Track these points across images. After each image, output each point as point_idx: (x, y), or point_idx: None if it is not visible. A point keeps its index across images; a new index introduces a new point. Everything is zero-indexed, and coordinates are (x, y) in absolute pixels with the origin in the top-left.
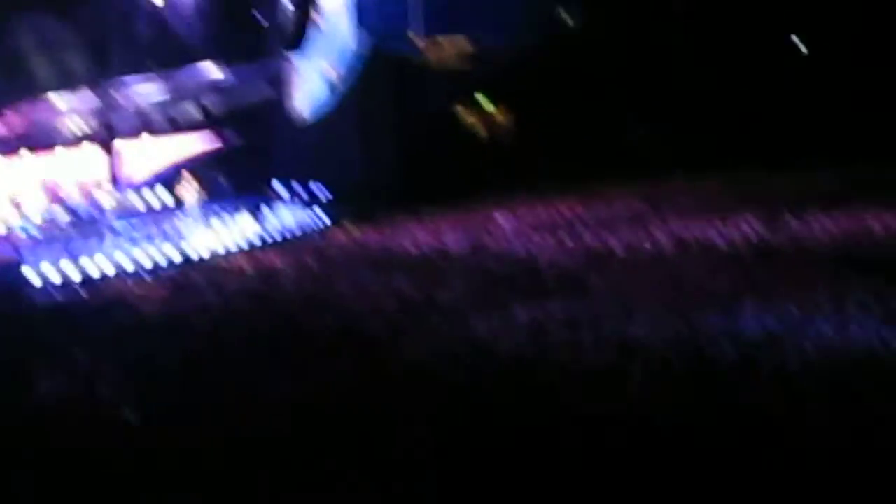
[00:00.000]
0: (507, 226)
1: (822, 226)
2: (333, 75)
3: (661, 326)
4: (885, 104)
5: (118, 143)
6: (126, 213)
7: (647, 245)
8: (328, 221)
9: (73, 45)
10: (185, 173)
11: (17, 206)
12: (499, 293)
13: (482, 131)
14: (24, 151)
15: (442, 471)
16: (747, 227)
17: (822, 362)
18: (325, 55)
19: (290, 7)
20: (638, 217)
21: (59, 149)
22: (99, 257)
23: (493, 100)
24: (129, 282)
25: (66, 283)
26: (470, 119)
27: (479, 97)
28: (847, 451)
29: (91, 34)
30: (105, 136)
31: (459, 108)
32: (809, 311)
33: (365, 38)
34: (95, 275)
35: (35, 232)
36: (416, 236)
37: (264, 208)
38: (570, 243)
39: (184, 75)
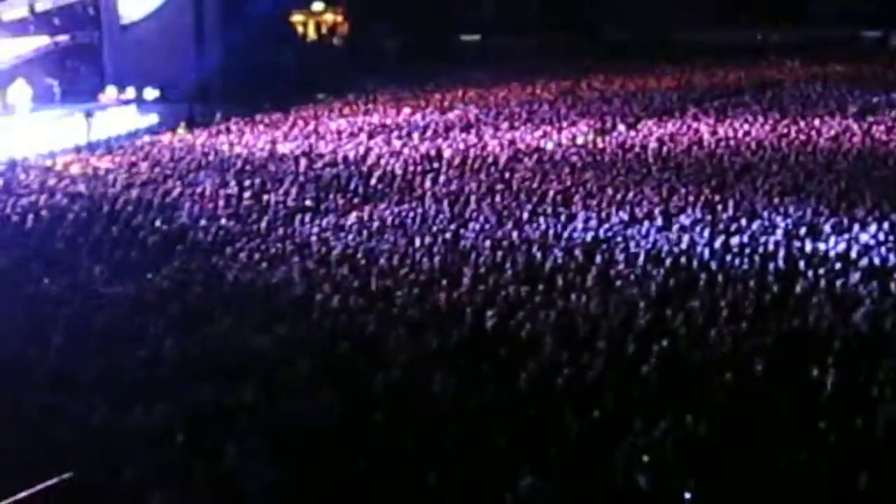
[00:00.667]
0: (340, 129)
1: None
2: None
3: (492, 230)
4: None
5: None
6: None
7: (480, 151)
8: (160, 123)
9: None
10: (13, 75)
11: None
12: (329, 197)
13: (314, 34)
14: None
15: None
16: (579, 134)
17: (647, 265)
18: None
19: None
20: (471, 124)
21: None
22: None
23: (326, 3)
24: None
25: None
26: (302, 21)
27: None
28: (669, 355)
29: None
30: None
31: (291, 11)
32: (637, 216)
33: None
34: None
35: None
36: (248, 139)
37: (94, 109)
38: (402, 148)
39: None
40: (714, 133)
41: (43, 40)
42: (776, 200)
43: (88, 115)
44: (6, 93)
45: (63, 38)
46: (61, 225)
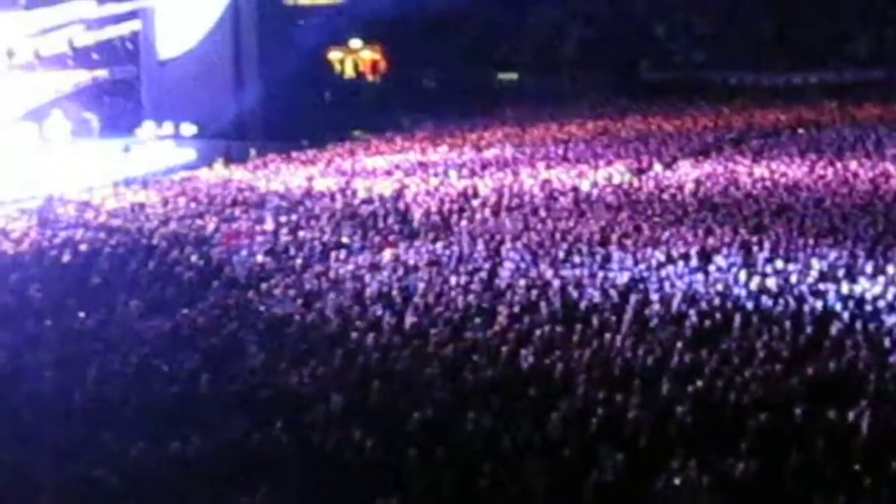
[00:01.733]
0: (376, 166)
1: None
2: (202, 14)
3: (527, 269)
4: None
5: None
6: None
7: (517, 190)
8: (197, 159)
9: None
10: (53, 109)
11: None
12: (366, 234)
13: (352, 72)
14: None
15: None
16: (615, 173)
17: (683, 306)
18: None
19: None
20: (507, 162)
21: None
22: None
23: (364, 40)
24: None
25: None
26: (340, 59)
27: (350, 39)
28: (705, 393)
29: None
30: None
31: (329, 48)
32: (673, 257)
33: None
34: None
35: None
36: (284, 176)
37: (132, 144)
38: (439, 186)
39: (54, 12)
40: (751, 174)
41: (82, 75)
42: (812, 242)
43: (126, 149)
44: (44, 126)
45: (102, 72)
46: (98, 259)
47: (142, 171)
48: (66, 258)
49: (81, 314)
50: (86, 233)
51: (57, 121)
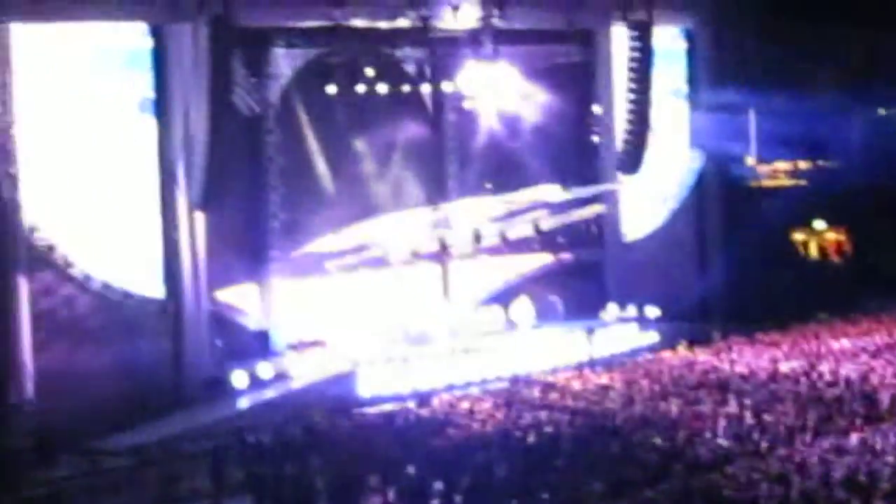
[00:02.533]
0: (842, 349)
1: None
2: (667, 196)
3: None
4: None
5: (452, 261)
6: (458, 329)
7: None
8: (660, 341)
9: (412, 167)
10: (518, 291)
11: (354, 322)
12: (831, 417)
13: (816, 253)
14: (362, 269)
15: None
16: None
17: None
18: (659, 176)
19: (627, 130)
20: None
21: (395, 266)
22: (430, 372)
23: (828, 222)
24: (459, 396)
25: (397, 396)
26: (803, 240)
27: (814, 220)
28: None
29: (429, 156)
30: (440, 255)
31: (793, 230)
32: None
33: (699, 159)
34: (426, 387)
35: (369, 346)
36: (748, 358)
37: (596, 326)
38: None
39: (520, 197)
40: None
41: (546, 258)
42: None
43: (590, 332)
44: (510, 309)
45: (566, 255)
46: (561, 440)
47: (605, 353)
48: (530, 439)
49: (545, 496)
50: (550, 414)
51: (522, 304)
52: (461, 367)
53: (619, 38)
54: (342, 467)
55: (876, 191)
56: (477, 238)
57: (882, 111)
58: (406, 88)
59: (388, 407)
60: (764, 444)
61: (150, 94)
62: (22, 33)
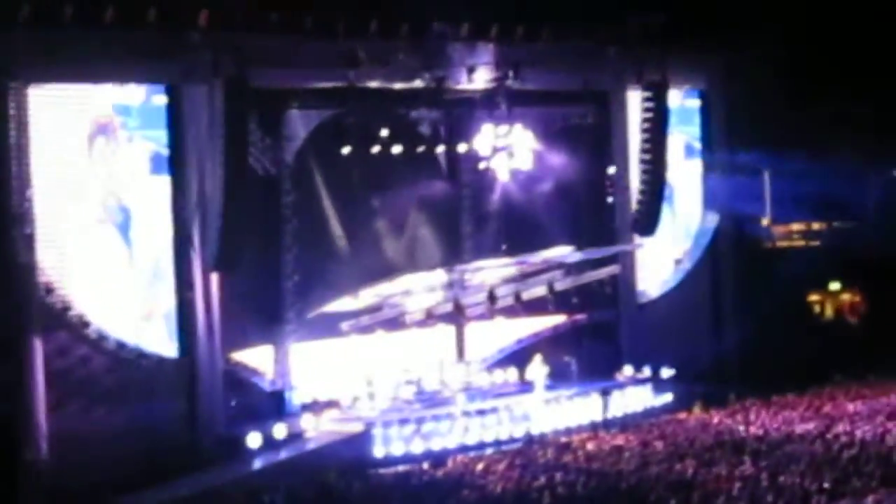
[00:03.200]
0: (857, 410)
1: None
2: (682, 256)
3: None
4: None
5: (467, 322)
6: (472, 389)
7: None
8: (675, 402)
9: (427, 227)
10: (533, 352)
11: (369, 381)
12: (847, 479)
13: (831, 314)
14: (377, 329)
15: None
16: None
17: None
18: (674, 236)
19: (642, 191)
20: None
21: (409, 326)
22: (445, 432)
23: (843, 283)
24: (474, 457)
25: (412, 457)
26: (819, 301)
27: (829, 282)
28: None
29: (445, 217)
30: (455, 315)
31: (808, 291)
32: None
33: (713, 219)
34: (439, 448)
35: (383, 407)
36: (763, 419)
37: (611, 387)
38: None
39: (535, 257)
40: None
41: (561, 319)
42: None
43: (604, 392)
44: (525, 370)
45: (581, 316)
46: (575, 502)
47: (620, 414)
48: (545, 501)
49: None
50: (565, 475)
51: (537, 364)
52: (476, 427)
53: (634, 99)
54: None
55: (892, 252)
56: (492, 299)
57: None
58: (421, 149)
59: (402, 468)
60: None
61: (165, 152)
62: (38, 95)
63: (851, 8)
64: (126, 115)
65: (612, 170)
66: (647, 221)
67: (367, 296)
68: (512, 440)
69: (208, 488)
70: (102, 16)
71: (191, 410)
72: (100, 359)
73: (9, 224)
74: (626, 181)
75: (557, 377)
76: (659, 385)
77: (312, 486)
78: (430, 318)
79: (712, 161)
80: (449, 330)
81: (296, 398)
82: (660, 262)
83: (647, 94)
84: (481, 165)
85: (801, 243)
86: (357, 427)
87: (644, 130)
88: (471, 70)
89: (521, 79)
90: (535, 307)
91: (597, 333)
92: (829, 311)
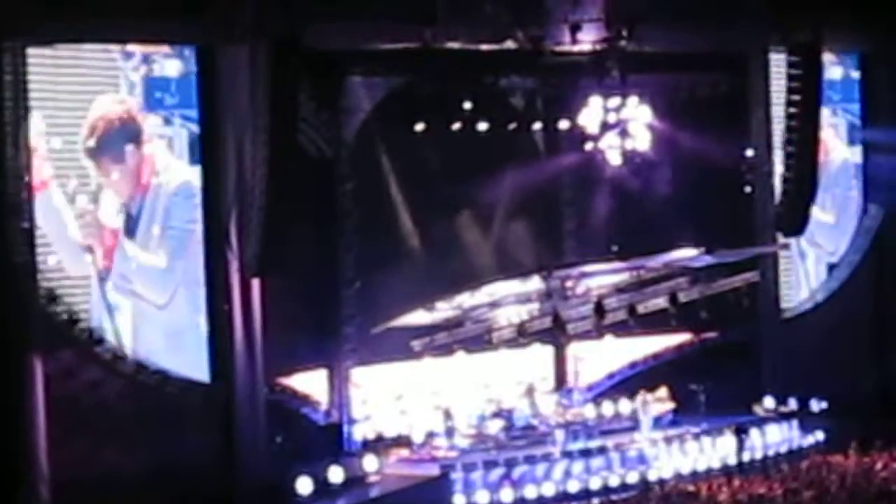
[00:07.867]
0: None
1: None
2: (837, 261)
3: None
4: None
5: (568, 341)
6: (574, 423)
7: None
8: (828, 442)
9: (520, 223)
10: (651, 379)
11: (447, 413)
12: None
13: None
14: (457, 350)
15: None
16: None
17: None
18: (827, 235)
19: (788, 180)
20: None
21: (497, 346)
22: (540, 478)
23: None
24: None
25: None
26: None
27: None
28: None
29: (542, 210)
30: (553, 333)
31: None
32: None
33: (877, 215)
34: (534, 496)
35: (464, 445)
36: None
37: (747, 424)
38: None
39: (653, 262)
40: None
41: (686, 338)
42: None
43: (740, 429)
44: (641, 401)
45: (711, 335)
46: None
47: (760, 457)
48: None
49: None
50: None
51: (656, 394)
52: (579, 472)
53: (779, 64)
54: None
55: None
56: (600, 312)
57: None
58: (512, 126)
59: None
60: None
61: (196, 132)
62: (40, 59)
63: None
64: (147, 87)
65: (749, 152)
66: (794, 217)
67: (444, 308)
68: (624, 487)
69: None
70: None
71: (226, 448)
72: (114, 383)
73: (2, 216)
74: (768, 167)
75: (682, 410)
76: (808, 421)
77: None
78: (523, 335)
79: (876, 142)
80: (546, 351)
81: (356, 434)
82: (810, 268)
83: (795, 58)
84: (587, 146)
85: None
86: (432, 470)
87: (791, 104)
88: (575, 28)
89: (638, 39)
90: (653, 323)
91: (731, 356)
92: None
